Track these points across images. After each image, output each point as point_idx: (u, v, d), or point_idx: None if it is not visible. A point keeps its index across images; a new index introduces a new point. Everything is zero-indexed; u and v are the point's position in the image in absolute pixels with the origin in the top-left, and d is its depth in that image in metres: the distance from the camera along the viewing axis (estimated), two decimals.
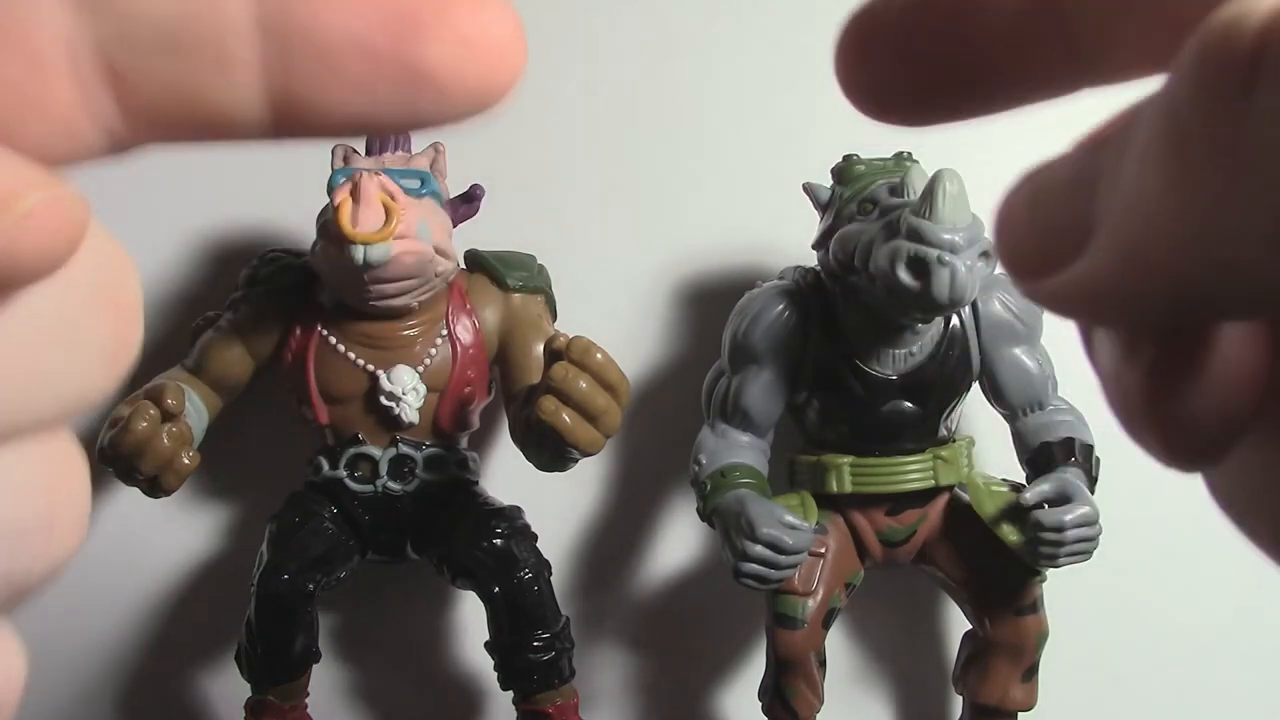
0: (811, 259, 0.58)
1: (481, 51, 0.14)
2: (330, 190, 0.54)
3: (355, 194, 0.51)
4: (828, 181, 0.57)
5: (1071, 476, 0.54)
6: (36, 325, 0.13)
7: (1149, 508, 0.66)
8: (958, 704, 0.61)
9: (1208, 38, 0.10)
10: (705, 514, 0.56)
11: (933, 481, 0.56)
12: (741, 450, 0.57)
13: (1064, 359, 0.57)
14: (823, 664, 0.58)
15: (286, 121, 0.15)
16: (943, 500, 0.58)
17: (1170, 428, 0.14)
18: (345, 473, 0.58)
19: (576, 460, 0.52)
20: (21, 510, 0.14)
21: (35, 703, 0.67)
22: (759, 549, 0.51)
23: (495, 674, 0.58)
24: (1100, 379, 0.15)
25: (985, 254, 0.50)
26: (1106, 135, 0.13)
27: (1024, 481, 0.56)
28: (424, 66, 0.14)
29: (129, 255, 0.14)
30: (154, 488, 0.51)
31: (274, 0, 0.14)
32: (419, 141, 0.59)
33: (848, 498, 0.57)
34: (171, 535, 0.67)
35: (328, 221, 0.51)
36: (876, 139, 0.59)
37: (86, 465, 0.15)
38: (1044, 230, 0.14)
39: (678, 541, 0.68)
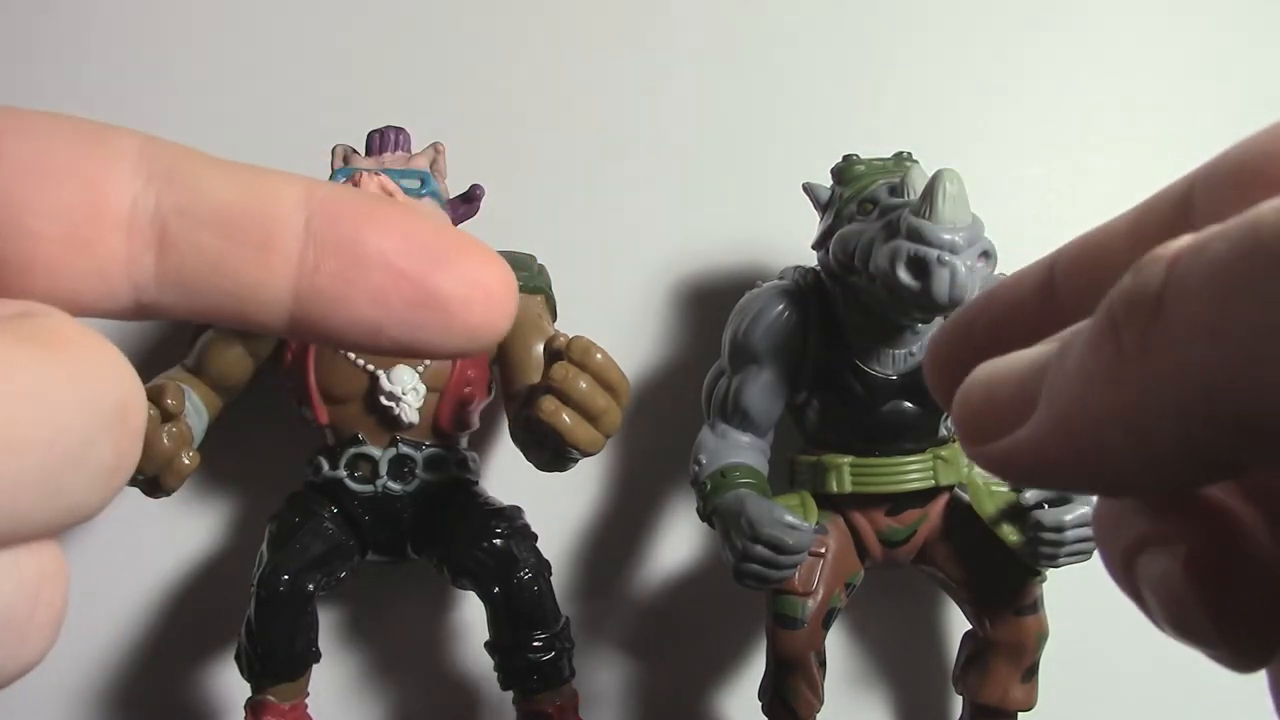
0: (811, 259, 0.58)
1: (485, 294, 0.17)
2: None
3: None
4: (828, 181, 0.57)
5: None
6: (61, 441, 0.13)
7: None
8: (958, 704, 0.61)
9: (1135, 271, 0.14)
10: (705, 514, 0.56)
11: (933, 481, 0.56)
12: (741, 450, 0.56)
13: None
14: (823, 664, 0.58)
15: (305, 316, 0.17)
16: (943, 500, 0.58)
17: (1224, 614, 0.16)
18: (345, 473, 0.58)
19: (576, 460, 0.52)
20: (4, 612, 0.14)
21: (34, 702, 0.67)
22: (759, 549, 0.51)
23: (495, 674, 0.58)
24: (1149, 605, 0.17)
25: (985, 254, 0.50)
26: (1059, 339, 0.16)
27: None
28: (437, 292, 0.17)
29: (138, 377, 0.15)
30: (154, 488, 0.51)
31: (324, 207, 0.17)
32: (419, 141, 0.59)
33: (848, 498, 0.57)
34: (171, 535, 0.67)
35: None
36: (876, 139, 0.60)
37: (68, 574, 0.15)
38: (996, 405, 0.17)
39: (678, 542, 0.68)
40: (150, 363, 0.65)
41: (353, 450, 0.57)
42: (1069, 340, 0.15)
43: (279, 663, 0.56)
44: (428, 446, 0.58)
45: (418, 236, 0.17)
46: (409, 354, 0.17)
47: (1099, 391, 0.14)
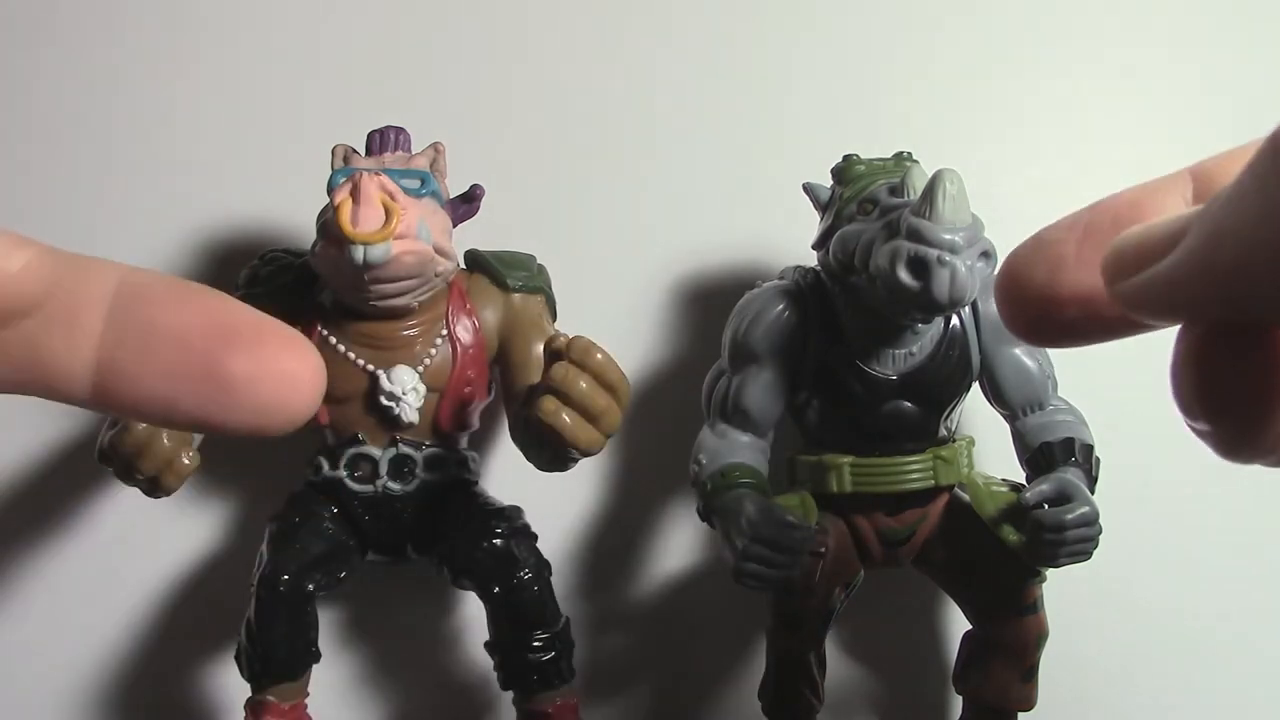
0: (811, 259, 0.58)
1: (277, 375, 0.18)
2: (330, 190, 0.54)
3: (355, 194, 0.51)
4: (828, 181, 0.57)
5: (1071, 476, 0.54)
6: None
7: (1149, 508, 0.66)
8: (958, 704, 0.61)
9: None
10: (705, 514, 0.56)
11: (933, 481, 0.56)
12: (742, 450, 0.57)
13: (1064, 359, 0.57)
14: (823, 664, 0.58)
15: (105, 388, 0.18)
16: (943, 500, 0.58)
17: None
18: (345, 473, 0.58)
19: (576, 460, 0.52)
20: None
21: (35, 702, 0.67)
22: (759, 549, 0.51)
23: (495, 674, 0.58)
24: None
25: (985, 254, 0.50)
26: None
27: (1024, 481, 0.56)
28: (222, 372, 0.18)
29: None
30: (154, 488, 0.51)
31: (127, 294, 0.18)
32: (419, 141, 0.59)
33: (848, 498, 0.57)
34: (171, 535, 0.67)
35: (328, 221, 0.51)
36: (876, 139, 0.60)
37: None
38: (1143, 249, 0.18)
39: (678, 541, 0.68)
40: None
41: (353, 450, 0.57)
42: (1217, 195, 0.16)
43: (279, 663, 0.56)
44: (428, 446, 0.58)
45: (216, 317, 0.18)
46: (205, 429, 0.18)
47: (1253, 214, 0.15)
